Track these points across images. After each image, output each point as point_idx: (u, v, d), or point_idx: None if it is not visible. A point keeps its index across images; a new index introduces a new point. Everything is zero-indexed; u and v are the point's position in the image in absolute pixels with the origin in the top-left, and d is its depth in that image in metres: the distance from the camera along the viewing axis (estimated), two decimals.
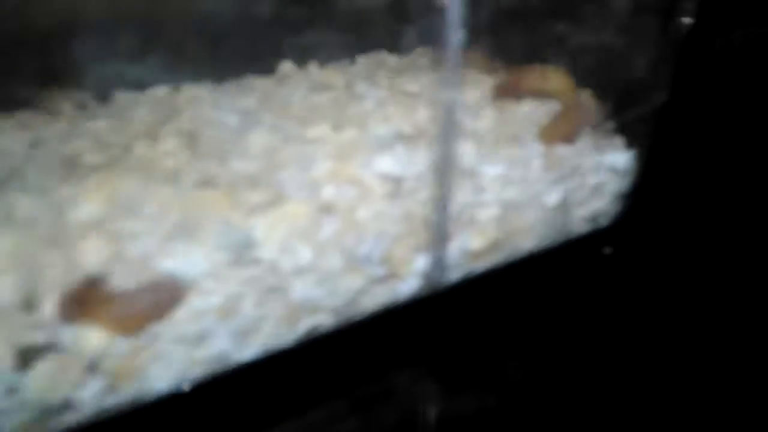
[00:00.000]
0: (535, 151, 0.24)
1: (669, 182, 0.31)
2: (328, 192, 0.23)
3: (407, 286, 0.23)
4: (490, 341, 0.24)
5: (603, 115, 0.26)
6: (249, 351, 0.20)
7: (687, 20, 0.23)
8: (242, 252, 0.20)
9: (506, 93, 0.29)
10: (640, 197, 0.27)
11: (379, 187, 0.23)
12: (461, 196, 0.23)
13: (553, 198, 0.24)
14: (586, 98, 0.27)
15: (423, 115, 0.26)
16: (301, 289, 0.21)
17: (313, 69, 0.32)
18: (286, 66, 0.32)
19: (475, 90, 0.28)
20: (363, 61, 0.35)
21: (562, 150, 0.25)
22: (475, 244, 0.24)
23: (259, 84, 0.31)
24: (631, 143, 0.26)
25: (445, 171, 0.21)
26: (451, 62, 0.19)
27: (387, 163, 0.23)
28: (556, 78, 0.28)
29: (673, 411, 0.21)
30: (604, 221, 0.26)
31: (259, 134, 0.26)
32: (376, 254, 0.22)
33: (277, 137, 0.26)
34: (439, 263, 0.23)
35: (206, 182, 0.23)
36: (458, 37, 0.19)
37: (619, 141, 0.26)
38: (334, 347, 0.22)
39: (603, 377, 0.22)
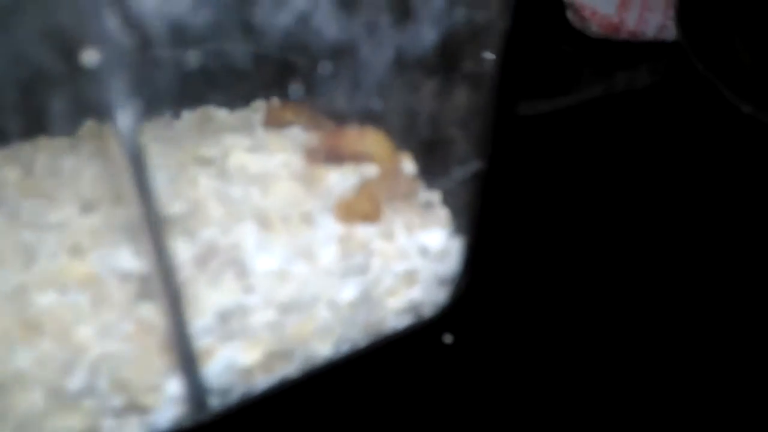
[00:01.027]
0: (328, 234, 0.19)
1: (503, 257, 0.26)
2: (44, 301, 0.17)
3: (163, 417, 0.18)
4: None
5: (423, 183, 0.22)
6: None
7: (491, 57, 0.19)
8: None
9: (321, 157, 0.24)
10: (473, 278, 0.22)
11: (119, 289, 0.18)
12: (223, 299, 0.18)
13: (347, 293, 0.19)
14: (405, 162, 0.22)
15: (204, 188, 0.21)
16: None
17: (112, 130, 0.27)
18: (89, 125, 0.27)
19: (279, 155, 0.23)
20: (188, 116, 0.29)
21: (363, 231, 0.20)
22: (247, 358, 0.18)
23: (45, 147, 0.26)
24: (456, 216, 0.21)
25: (163, 269, 0.16)
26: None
27: (125, 256, 0.18)
28: (372, 138, 0.23)
29: None
30: (428, 311, 0.21)
31: None
32: (101, 383, 0.17)
33: (10, 222, 0.20)
34: (197, 386, 0.18)
35: None
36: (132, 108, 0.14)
37: (439, 214, 0.21)
38: None
39: None
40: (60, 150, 0.25)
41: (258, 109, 0.28)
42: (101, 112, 0.15)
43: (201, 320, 0.18)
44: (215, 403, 0.19)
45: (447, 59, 0.22)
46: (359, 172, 0.23)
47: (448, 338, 0.23)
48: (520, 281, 0.26)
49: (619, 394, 0.22)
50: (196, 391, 0.18)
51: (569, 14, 0.46)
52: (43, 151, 0.24)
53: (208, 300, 0.18)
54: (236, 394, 0.19)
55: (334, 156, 0.24)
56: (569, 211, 0.30)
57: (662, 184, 0.32)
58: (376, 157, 0.24)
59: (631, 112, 0.41)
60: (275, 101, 0.28)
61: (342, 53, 0.23)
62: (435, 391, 0.21)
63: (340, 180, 0.22)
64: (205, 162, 0.23)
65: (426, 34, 0.21)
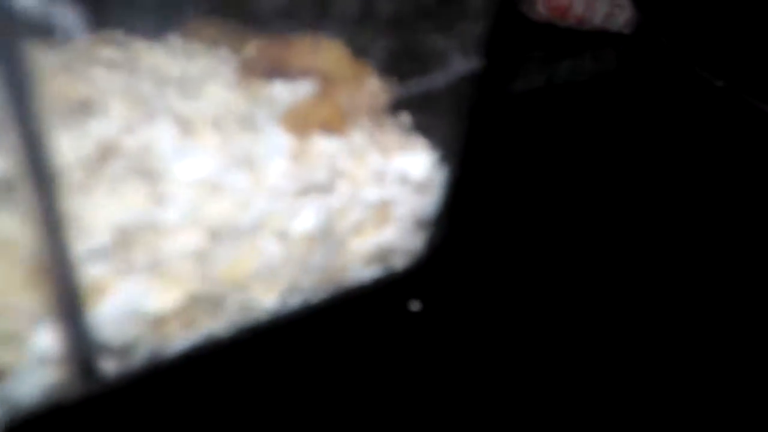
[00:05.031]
0: (275, 144, 0.14)
1: (490, 199, 0.22)
2: None
3: (26, 385, 0.12)
4: None
5: (392, 101, 0.17)
6: None
7: None
8: None
9: (260, 71, 0.19)
10: (453, 225, 0.17)
11: None
12: (125, 211, 0.12)
13: (305, 221, 0.14)
14: (369, 78, 0.17)
15: (103, 81, 0.16)
16: None
17: None
18: None
19: (203, 61, 0.18)
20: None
21: (323, 144, 0.15)
22: (160, 301, 0.13)
23: None
24: (437, 145, 0.16)
25: (35, 169, 0.10)
26: None
27: None
28: (328, 50, 0.18)
29: None
30: (399, 261, 0.16)
31: None
32: None
33: None
34: (80, 339, 0.12)
35: None
36: None
37: (416, 140, 0.16)
38: None
39: None
40: None
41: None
42: None
43: (90, 241, 0.12)
44: (109, 367, 0.13)
45: None
46: (312, 85, 0.17)
47: (415, 305, 0.18)
48: (497, 242, 0.21)
49: (593, 368, 0.18)
50: (81, 346, 0.12)
51: None
52: None
53: (101, 212, 0.12)
54: (141, 355, 0.13)
55: (278, 71, 0.19)
56: (544, 188, 0.26)
57: (631, 159, 0.29)
58: (332, 71, 0.19)
59: (578, 100, 0.38)
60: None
61: None
62: (397, 360, 0.16)
63: (288, 91, 0.17)
64: (110, 63, 0.17)
65: None
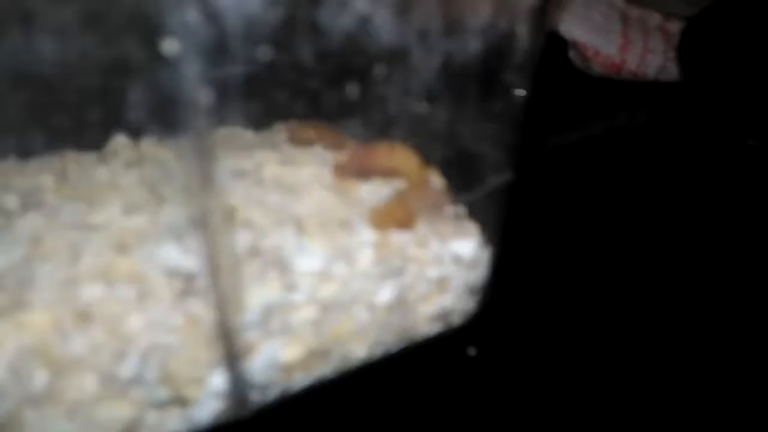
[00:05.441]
0: (364, 239, 0.20)
1: (529, 269, 0.27)
2: (92, 293, 0.18)
3: (204, 411, 0.18)
4: None
5: (451, 197, 0.22)
6: None
7: (522, 93, 0.20)
8: None
9: (350, 172, 0.25)
10: (498, 289, 0.23)
11: (165, 285, 0.18)
12: (267, 295, 0.18)
13: (384, 295, 0.20)
14: (433, 177, 0.23)
15: (247, 194, 0.22)
16: (38, 425, 0.16)
17: (148, 143, 0.27)
18: (119, 140, 0.27)
19: (309, 168, 0.24)
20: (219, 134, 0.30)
21: (398, 237, 0.21)
22: (289, 355, 0.19)
23: (74, 160, 0.26)
24: (483, 228, 0.22)
25: (225, 265, 0.17)
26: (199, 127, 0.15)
27: (172, 254, 0.18)
28: (402, 154, 0.24)
29: None
30: (456, 319, 0.22)
31: (30, 219, 0.21)
32: (149, 373, 0.17)
33: (52, 223, 0.21)
34: (239, 381, 0.18)
35: None
36: (205, 98, 0.15)
37: (468, 226, 0.22)
38: None
39: None
40: (89, 163, 0.25)
41: (279, 130, 0.29)
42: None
43: (246, 316, 0.18)
44: (256, 398, 0.19)
45: (475, 79, 0.24)
46: (390, 186, 0.23)
47: (472, 351, 0.24)
48: (541, 294, 0.26)
49: (637, 408, 0.23)
50: (239, 385, 0.18)
51: (572, 54, 0.48)
52: (73, 163, 0.25)
53: (252, 296, 0.18)
54: (276, 391, 0.19)
55: (364, 172, 0.25)
56: (584, 234, 0.31)
57: (666, 205, 0.33)
58: (405, 172, 0.24)
59: (634, 149, 0.42)
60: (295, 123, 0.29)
61: (369, 75, 0.24)
62: (459, 398, 0.22)
63: (372, 191, 0.23)
64: (242, 174, 0.24)
65: (458, 53, 0.22)
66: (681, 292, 0.27)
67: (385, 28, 0.22)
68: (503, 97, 0.23)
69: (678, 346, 0.25)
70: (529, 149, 0.22)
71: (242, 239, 0.20)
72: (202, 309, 0.18)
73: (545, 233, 0.30)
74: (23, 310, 0.17)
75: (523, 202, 0.27)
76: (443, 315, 0.22)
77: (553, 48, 0.48)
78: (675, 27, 0.47)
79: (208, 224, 0.17)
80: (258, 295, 0.18)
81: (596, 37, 0.46)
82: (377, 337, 0.21)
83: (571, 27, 0.46)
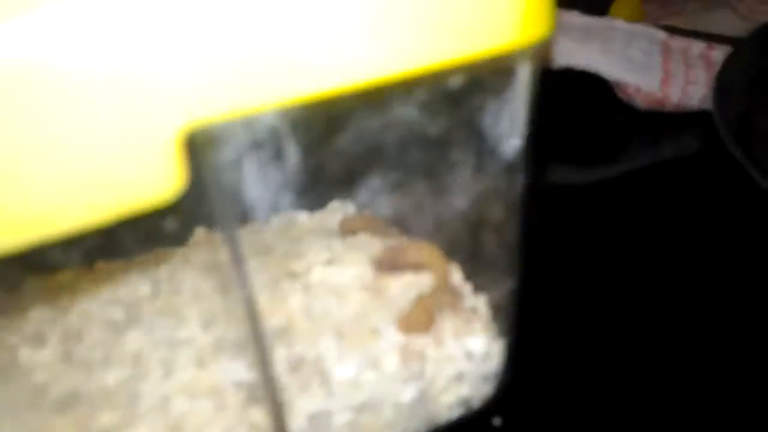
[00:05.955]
0: (390, 344, 0.25)
1: (540, 357, 0.31)
2: (180, 407, 0.23)
3: None
4: None
5: (469, 290, 0.27)
6: None
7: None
8: None
9: (386, 266, 0.29)
10: (516, 372, 0.27)
11: (233, 396, 0.24)
12: (312, 404, 0.23)
13: (408, 394, 0.24)
14: (455, 275, 0.27)
15: (297, 302, 0.27)
16: None
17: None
18: (200, 233, 0.33)
19: (352, 267, 0.29)
20: (275, 221, 0.35)
21: (419, 341, 0.25)
22: None
23: (163, 258, 0.32)
24: (497, 320, 0.26)
25: (277, 376, 0.22)
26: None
27: (238, 368, 0.24)
28: (428, 251, 0.28)
29: None
30: (476, 403, 0.26)
31: (134, 336, 0.27)
32: None
33: (149, 338, 0.27)
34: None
35: (69, 399, 0.24)
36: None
37: (480, 321, 0.26)
38: None
39: None
40: (176, 263, 0.31)
41: (334, 210, 0.34)
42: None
43: (296, 422, 0.23)
44: None
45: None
46: (418, 283, 0.28)
47: (497, 421, 0.28)
48: (561, 366, 0.30)
49: None
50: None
51: (617, 90, 0.50)
52: (164, 264, 0.31)
53: (300, 405, 0.24)
54: None
55: (397, 266, 0.29)
56: (613, 281, 0.34)
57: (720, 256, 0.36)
58: (430, 267, 0.29)
59: (679, 180, 0.44)
60: (348, 208, 0.34)
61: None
62: None
63: (402, 291, 0.28)
64: (294, 276, 0.29)
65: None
66: (722, 359, 0.30)
67: None
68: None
69: (705, 408, 0.28)
70: (534, 243, 0.26)
71: (292, 350, 0.25)
72: (261, 417, 0.23)
73: (569, 281, 0.33)
74: (127, 428, 0.23)
75: (536, 291, 0.30)
76: (463, 402, 0.26)
77: (599, 85, 0.50)
78: (719, 55, 0.48)
79: (263, 338, 0.23)
80: (304, 403, 0.24)
81: (637, 74, 0.48)
82: (404, 425, 0.25)
83: (611, 68, 0.48)
